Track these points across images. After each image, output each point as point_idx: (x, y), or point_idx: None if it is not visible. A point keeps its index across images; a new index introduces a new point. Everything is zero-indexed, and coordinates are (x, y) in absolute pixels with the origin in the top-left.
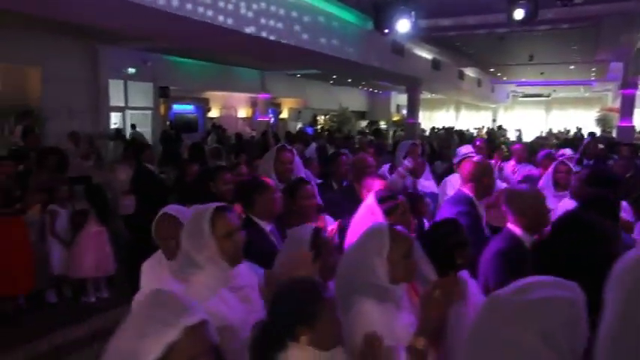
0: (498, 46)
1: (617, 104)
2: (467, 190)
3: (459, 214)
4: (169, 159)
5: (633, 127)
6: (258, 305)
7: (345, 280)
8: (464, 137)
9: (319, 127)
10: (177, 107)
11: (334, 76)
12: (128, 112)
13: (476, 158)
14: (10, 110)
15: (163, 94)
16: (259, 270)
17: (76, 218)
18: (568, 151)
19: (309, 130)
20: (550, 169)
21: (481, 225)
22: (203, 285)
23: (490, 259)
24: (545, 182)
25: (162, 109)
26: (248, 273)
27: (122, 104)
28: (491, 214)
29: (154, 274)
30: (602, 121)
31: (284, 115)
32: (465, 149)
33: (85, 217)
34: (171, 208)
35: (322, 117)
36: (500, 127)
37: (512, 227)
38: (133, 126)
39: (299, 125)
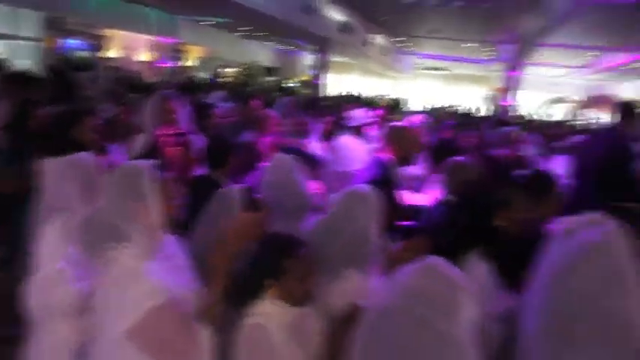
0: (407, 15)
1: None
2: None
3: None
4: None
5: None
6: (189, 274)
7: (330, 244)
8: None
9: (224, 78)
10: (70, 42)
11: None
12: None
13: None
14: None
15: (53, 25)
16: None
17: None
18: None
19: (213, 81)
20: None
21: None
22: (132, 260)
23: None
24: None
25: (50, 43)
26: (171, 240)
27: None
28: None
29: (60, 243)
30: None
31: (189, 63)
32: (361, 113)
33: None
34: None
35: (229, 69)
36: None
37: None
38: None
39: (202, 75)
